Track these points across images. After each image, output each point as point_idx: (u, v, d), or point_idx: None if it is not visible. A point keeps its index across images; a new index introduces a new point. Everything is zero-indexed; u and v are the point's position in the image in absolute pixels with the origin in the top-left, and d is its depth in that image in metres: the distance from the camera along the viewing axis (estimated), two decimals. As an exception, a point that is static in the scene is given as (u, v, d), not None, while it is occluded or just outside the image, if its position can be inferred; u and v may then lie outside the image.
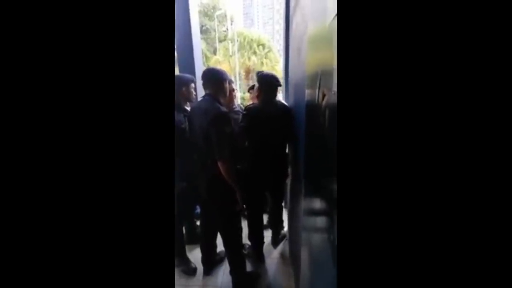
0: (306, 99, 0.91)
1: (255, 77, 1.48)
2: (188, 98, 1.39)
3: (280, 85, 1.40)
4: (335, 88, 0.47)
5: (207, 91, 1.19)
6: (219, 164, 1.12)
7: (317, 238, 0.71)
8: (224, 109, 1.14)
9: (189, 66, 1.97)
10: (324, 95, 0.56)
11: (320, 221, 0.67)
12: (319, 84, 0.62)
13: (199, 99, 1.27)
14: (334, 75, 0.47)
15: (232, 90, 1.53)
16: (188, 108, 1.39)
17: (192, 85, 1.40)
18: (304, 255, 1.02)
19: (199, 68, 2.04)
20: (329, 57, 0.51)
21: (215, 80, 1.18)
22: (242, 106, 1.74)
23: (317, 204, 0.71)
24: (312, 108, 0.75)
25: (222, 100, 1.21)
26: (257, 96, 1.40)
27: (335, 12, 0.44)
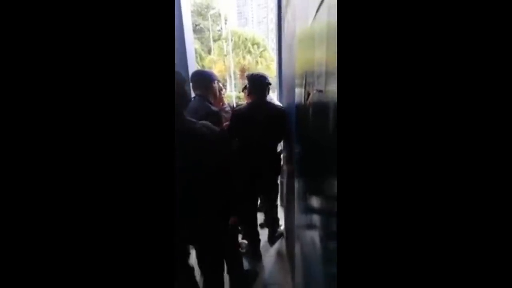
0: (296, 98, 0.92)
1: (245, 75, 1.49)
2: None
3: (270, 84, 1.41)
4: (317, 87, 0.48)
5: (197, 92, 1.20)
6: None
7: (308, 235, 0.72)
8: (214, 108, 1.15)
9: (182, 66, 1.96)
10: (309, 94, 0.57)
11: (311, 218, 0.68)
12: (305, 83, 0.62)
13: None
14: (316, 73, 0.48)
15: (221, 89, 1.54)
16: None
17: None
18: (297, 252, 1.03)
19: (192, 68, 2.03)
20: (312, 55, 0.52)
21: (204, 81, 1.21)
22: (234, 105, 1.75)
23: (309, 201, 0.72)
24: (301, 107, 0.76)
25: (212, 100, 1.22)
26: (248, 97, 1.41)
27: (315, 11, 0.45)
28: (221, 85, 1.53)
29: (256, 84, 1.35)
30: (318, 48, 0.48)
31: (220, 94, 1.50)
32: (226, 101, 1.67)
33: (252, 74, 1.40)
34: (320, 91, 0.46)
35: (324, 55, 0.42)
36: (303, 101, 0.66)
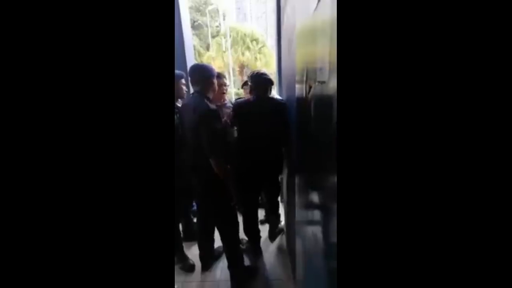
0: (296, 93, 0.91)
1: (248, 75, 1.48)
2: (177, 94, 1.37)
3: (273, 83, 1.41)
4: (319, 78, 0.47)
5: (196, 88, 1.18)
6: (211, 161, 1.12)
7: (310, 231, 0.72)
8: (212, 106, 1.13)
9: (181, 62, 1.95)
10: (310, 87, 0.56)
11: (313, 213, 0.68)
12: (306, 77, 0.61)
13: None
14: (318, 66, 0.47)
15: (224, 84, 1.52)
16: (180, 105, 1.37)
17: (182, 81, 1.38)
18: (298, 247, 1.04)
19: (191, 64, 2.02)
20: (314, 47, 0.51)
21: (202, 76, 1.17)
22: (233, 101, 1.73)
23: (310, 196, 0.71)
24: (302, 101, 0.75)
25: (211, 97, 1.20)
26: (250, 93, 1.41)
27: (316, 3, 0.44)
28: (225, 80, 1.51)
29: (258, 82, 1.35)
30: (321, 41, 0.47)
31: (222, 89, 1.48)
32: (227, 97, 1.65)
33: (254, 73, 1.39)
34: (323, 82, 0.45)
35: (327, 47, 0.41)
36: (304, 94, 0.65)
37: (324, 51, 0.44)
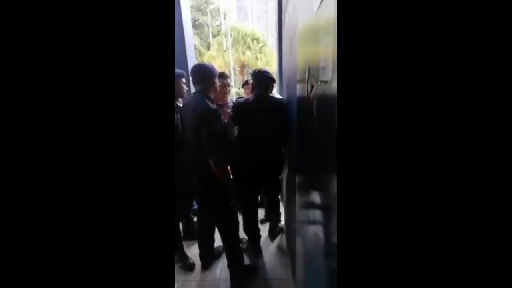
0: (297, 92, 0.91)
1: (249, 73, 1.48)
2: (178, 93, 1.37)
3: (274, 81, 1.41)
4: (322, 78, 0.47)
5: (197, 88, 1.18)
6: (211, 162, 1.11)
7: (311, 230, 0.71)
8: (213, 106, 1.13)
9: (182, 61, 1.95)
10: (312, 87, 0.56)
11: (313, 213, 0.67)
12: (308, 76, 0.61)
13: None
14: (321, 65, 0.47)
15: (228, 85, 1.51)
16: (180, 105, 1.37)
17: (183, 80, 1.38)
18: (298, 247, 1.03)
19: (192, 63, 2.02)
20: (317, 46, 0.51)
21: (204, 76, 1.17)
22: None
23: (310, 196, 0.71)
24: (303, 101, 0.75)
25: (212, 96, 1.20)
26: (251, 92, 1.40)
27: (319, 2, 0.43)
28: (228, 80, 1.51)
29: (260, 80, 1.35)
30: (324, 40, 0.47)
31: (225, 89, 1.48)
32: (228, 97, 1.64)
33: (256, 71, 1.39)
34: (326, 81, 0.45)
35: (331, 46, 0.41)
36: (305, 94, 0.65)
37: (328, 50, 0.43)
